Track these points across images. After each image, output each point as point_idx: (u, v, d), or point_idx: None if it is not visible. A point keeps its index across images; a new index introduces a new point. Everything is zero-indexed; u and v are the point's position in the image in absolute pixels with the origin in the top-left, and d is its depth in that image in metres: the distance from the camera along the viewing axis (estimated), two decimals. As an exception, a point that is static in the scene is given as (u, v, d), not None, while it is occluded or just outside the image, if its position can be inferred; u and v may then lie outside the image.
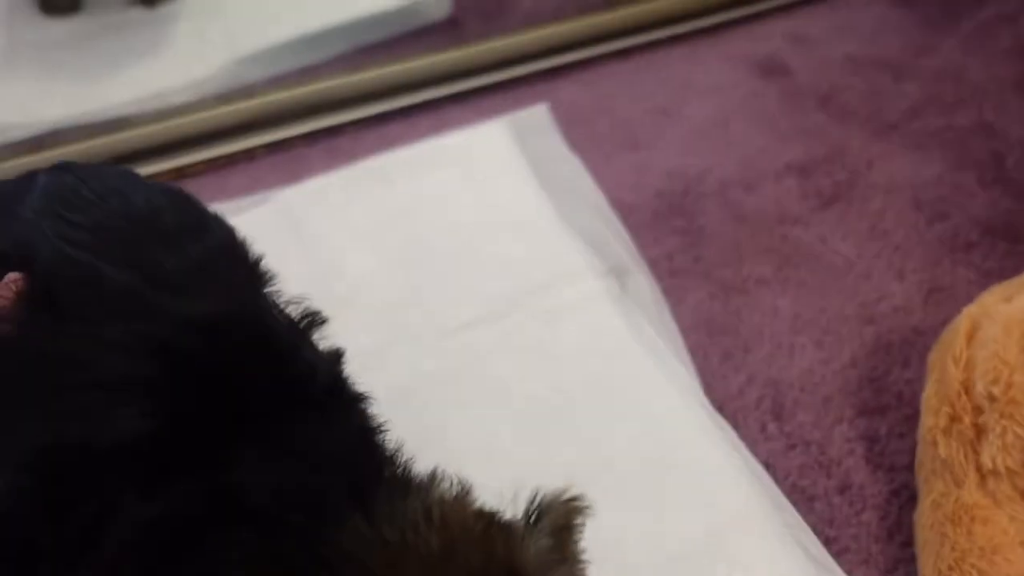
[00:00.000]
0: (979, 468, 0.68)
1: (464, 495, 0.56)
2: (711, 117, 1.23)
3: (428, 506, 0.53)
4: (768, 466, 0.83)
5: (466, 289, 1.01)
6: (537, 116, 1.21)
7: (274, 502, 0.49)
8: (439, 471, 0.58)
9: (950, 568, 0.66)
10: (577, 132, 1.21)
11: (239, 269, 0.62)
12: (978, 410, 0.68)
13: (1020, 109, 1.20)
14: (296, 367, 0.56)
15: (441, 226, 1.08)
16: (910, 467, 0.80)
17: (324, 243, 1.07)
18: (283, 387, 0.54)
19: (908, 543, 0.75)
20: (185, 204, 0.66)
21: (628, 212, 1.10)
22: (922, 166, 1.14)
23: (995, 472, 0.66)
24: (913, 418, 0.84)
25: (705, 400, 0.88)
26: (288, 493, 0.50)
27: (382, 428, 0.60)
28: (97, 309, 0.53)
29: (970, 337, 0.71)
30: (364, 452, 0.56)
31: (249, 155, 1.22)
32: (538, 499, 0.58)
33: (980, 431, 0.68)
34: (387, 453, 0.58)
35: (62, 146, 1.17)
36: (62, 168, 0.67)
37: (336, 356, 0.63)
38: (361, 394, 0.61)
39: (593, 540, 0.77)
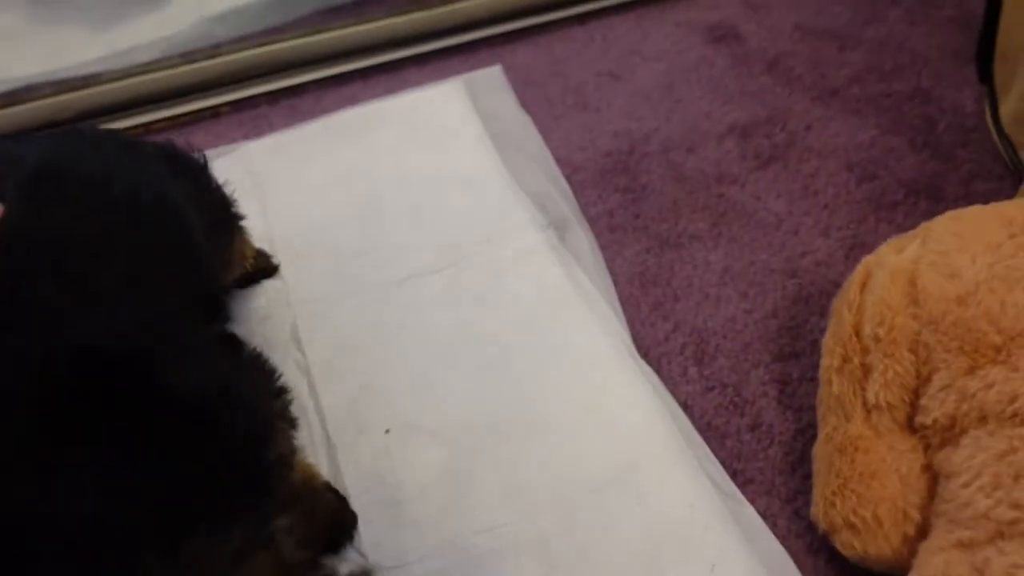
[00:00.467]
0: (865, 403, 0.73)
1: None
2: (660, 81, 1.28)
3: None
4: (686, 407, 0.89)
5: (415, 241, 1.06)
6: (491, 77, 1.26)
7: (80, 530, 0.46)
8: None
9: (833, 493, 0.72)
10: (530, 94, 1.26)
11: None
12: (866, 351, 0.74)
13: (956, 76, 1.25)
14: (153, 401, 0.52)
15: (394, 180, 1.13)
16: (816, 408, 0.86)
17: (282, 195, 1.13)
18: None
19: (809, 476, 0.81)
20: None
21: (575, 170, 1.15)
22: (858, 130, 1.19)
23: (878, 407, 0.72)
24: (824, 364, 0.90)
25: (632, 347, 0.93)
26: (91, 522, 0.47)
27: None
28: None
29: (863, 285, 0.77)
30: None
31: (214, 112, 1.26)
32: None
33: (867, 370, 0.74)
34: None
35: (31, 102, 1.21)
36: (66, 137, 0.70)
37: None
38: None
39: (518, 473, 0.83)
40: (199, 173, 0.86)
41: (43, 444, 0.47)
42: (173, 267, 0.69)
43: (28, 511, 0.46)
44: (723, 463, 0.84)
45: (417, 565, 0.78)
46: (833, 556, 0.76)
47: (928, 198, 1.08)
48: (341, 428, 0.89)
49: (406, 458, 0.86)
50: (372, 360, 0.95)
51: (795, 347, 0.93)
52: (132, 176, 0.71)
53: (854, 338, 0.75)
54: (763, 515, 0.80)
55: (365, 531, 0.80)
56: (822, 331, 0.94)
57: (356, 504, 0.82)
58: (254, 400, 0.64)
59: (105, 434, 0.49)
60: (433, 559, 0.78)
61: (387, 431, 0.88)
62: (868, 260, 0.79)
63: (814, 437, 0.84)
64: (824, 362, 0.78)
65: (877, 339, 0.73)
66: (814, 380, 0.89)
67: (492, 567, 0.77)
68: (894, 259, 0.75)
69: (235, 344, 0.83)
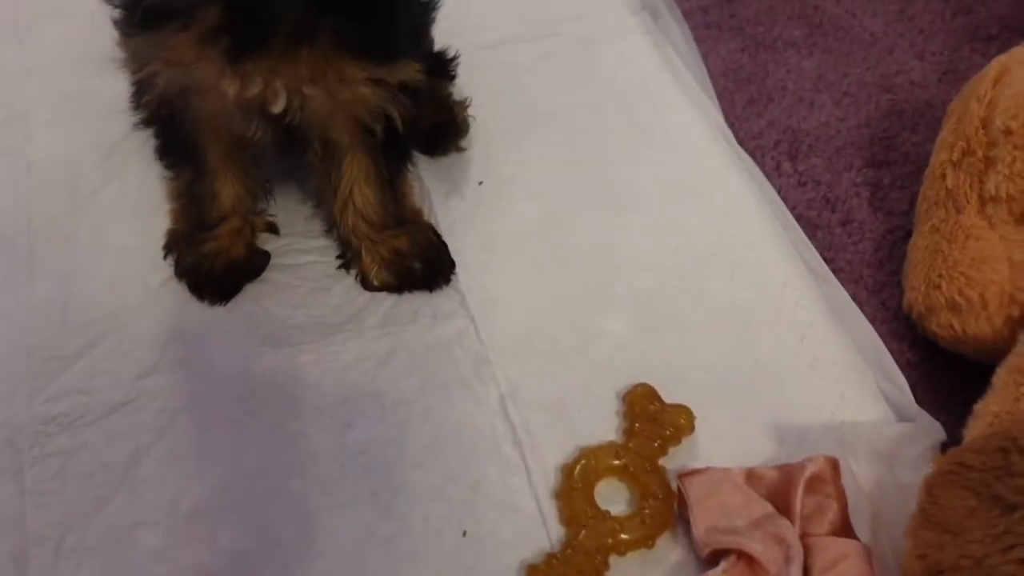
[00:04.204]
0: (981, 195, 0.74)
1: None
2: None
3: None
4: (781, 198, 0.89)
5: (506, 10, 1.03)
6: None
7: None
8: None
9: (940, 276, 0.74)
10: None
11: None
12: (992, 144, 0.74)
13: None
14: None
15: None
16: (907, 213, 0.87)
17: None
18: None
19: (896, 271, 0.83)
20: None
21: (669, -35, 1.11)
22: (956, -36, 1.16)
23: (996, 198, 0.73)
24: (915, 174, 0.90)
25: (728, 132, 0.93)
26: None
27: None
28: None
29: (997, 81, 0.76)
30: None
31: None
32: None
33: (989, 163, 0.74)
34: None
35: None
36: None
37: None
38: None
39: (610, 237, 0.83)
40: None
41: None
42: None
43: None
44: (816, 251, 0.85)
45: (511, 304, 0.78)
46: (916, 343, 0.79)
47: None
48: (435, 179, 0.87)
49: (499, 209, 0.85)
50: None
51: (887, 156, 0.94)
52: None
53: (980, 131, 0.75)
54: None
55: (462, 275, 0.80)
56: (913, 145, 0.94)
57: (452, 250, 0.81)
58: None
59: None
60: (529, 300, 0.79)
61: (480, 183, 0.87)
62: (1001, 58, 0.78)
63: (903, 239, 0.86)
64: (939, 157, 0.79)
65: (1008, 132, 0.73)
66: (904, 189, 0.91)
67: (584, 320, 0.78)
68: (1036, 56, 0.74)
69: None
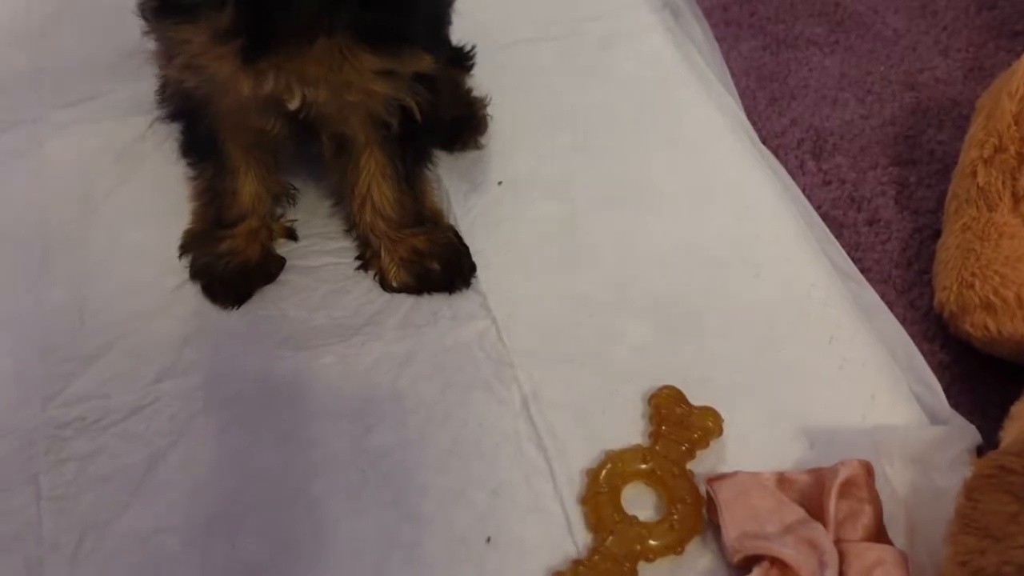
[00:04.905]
0: (1015, 193, 0.73)
1: None
2: None
3: None
4: (805, 196, 0.87)
5: (525, 10, 1.02)
6: None
7: None
8: None
9: (973, 275, 0.72)
10: None
11: None
12: (1024, 140, 0.73)
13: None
14: None
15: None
16: (935, 212, 0.86)
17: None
18: None
19: (925, 271, 0.81)
20: None
21: (687, -37, 1.10)
22: (979, -40, 1.14)
23: (1030, 195, 0.72)
24: (942, 172, 0.89)
25: (751, 130, 0.91)
26: None
27: None
28: None
29: (1028, 75, 0.75)
30: None
31: None
32: None
33: (1022, 159, 0.73)
34: None
35: None
36: None
37: None
38: None
39: (630, 238, 0.82)
40: None
41: None
42: None
43: None
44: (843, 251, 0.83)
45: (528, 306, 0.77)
46: (947, 343, 0.77)
47: (1053, 30, 1.05)
48: (454, 179, 0.86)
49: (519, 209, 0.84)
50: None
51: (912, 155, 0.92)
52: None
53: (1012, 127, 0.73)
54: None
55: (482, 276, 0.79)
56: (939, 143, 0.93)
57: (472, 250, 0.80)
58: None
59: None
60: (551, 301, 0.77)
61: (500, 183, 0.86)
62: (1033, 54, 0.76)
63: (931, 237, 0.84)
64: (969, 155, 0.77)
65: (1042, 127, 0.71)
66: (931, 187, 0.89)
67: (606, 322, 0.77)
68: (1069, 50, 0.72)
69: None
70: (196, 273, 0.77)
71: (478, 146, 0.88)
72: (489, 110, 0.90)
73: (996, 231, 0.72)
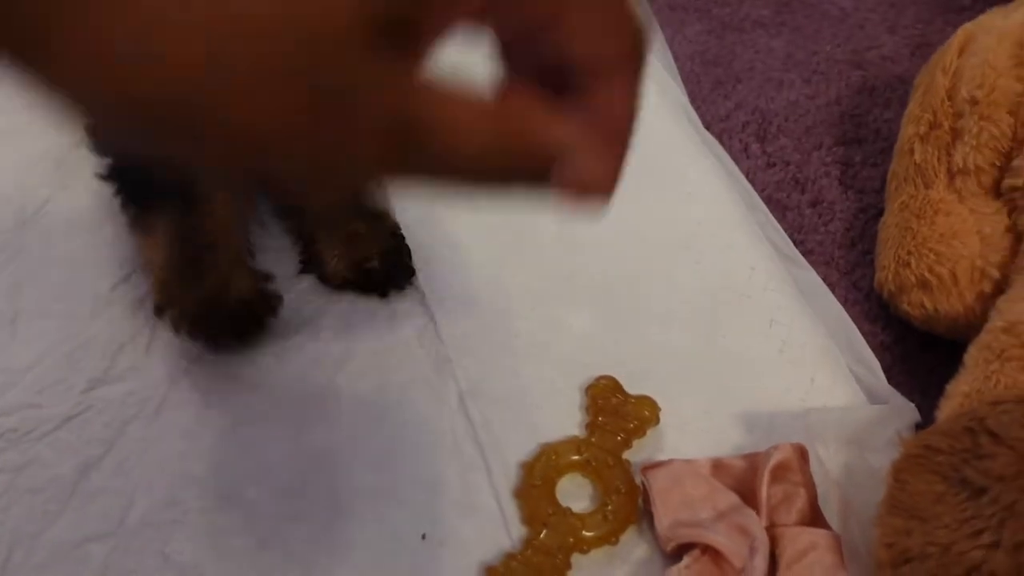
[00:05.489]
0: (949, 169, 0.72)
1: None
2: None
3: None
4: (749, 180, 0.87)
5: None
6: None
7: None
8: None
9: (908, 253, 0.71)
10: None
11: None
12: (958, 115, 0.72)
13: None
14: None
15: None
16: (879, 191, 0.85)
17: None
18: None
19: (868, 251, 0.81)
20: None
21: (633, -52, 1.09)
22: (928, -65, 1.14)
23: (964, 171, 0.71)
24: (887, 151, 0.88)
25: (694, 115, 0.91)
26: None
27: None
28: None
29: (962, 50, 0.74)
30: None
31: None
32: None
33: (956, 135, 0.72)
34: None
35: None
36: None
37: None
38: None
39: (581, 235, 0.82)
40: None
41: None
42: None
43: None
44: (785, 234, 0.83)
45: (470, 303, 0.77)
46: (889, 323, 0.77)
47: (999, 2, 1.04)
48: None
49: (462, 205, 0.83)
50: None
51: (858, 134, 0.92)
52: None
53: (946, 102, 0.73)
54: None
55: (422, 272, 0.78)
56: (885, 121, 0.92)
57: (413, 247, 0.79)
58: None
59: None
60: (491, 295, 0.77)
61: (440, 178, 0.85)
62: (967, 26, 0.76)
63: (875, 217, 0.83)
64: (907, 132, 0.76)
65: (974, 101, 0.71)
66: (876, 166, 0.88)
67: (547, 313, 0.76)
68: (1002, 22, 0.72)
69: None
70: (192, 323, 0.69)
71: None
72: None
73: (932, 208, 0.72)
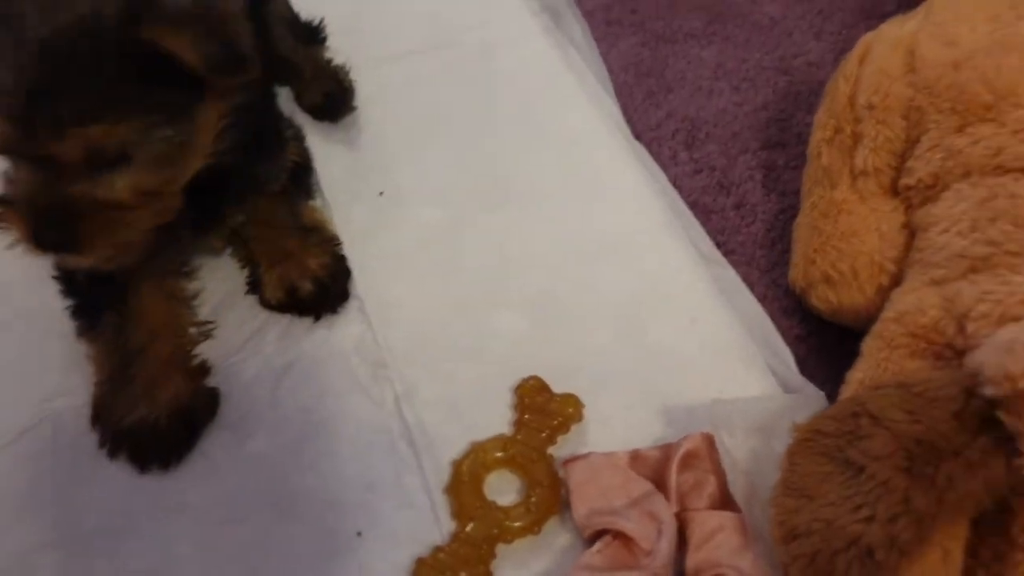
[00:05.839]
0: (852, 171, 0.76)
1: None
2: None
3: None
4: (676, 186, 0.91)
5: (407, 22, 1.05)
6: None
7: None
8: None
9: (814, 251, 0.76)
10: None
11: None
12: (858, 120, 0.76)
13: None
14: None
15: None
16: (799, 193, 0.89)
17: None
18: None
19: (787, 250, 0.85)
20: None
21: (573, -35, 1.13)
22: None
23: (864, 172, 0.75)
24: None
25: (625, 126, 0.95)
26: None
27: None
28: None
29: (862, 59, 0.78)
30: None
31: None
32: None
33: (857, 139, 0.76)
34: None
35: None
36: None
37: None
38: None
39: (508, 238, 0.86)
40: None
41: None
42: None
43: None
44: (708, 236, 0.87)
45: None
46: (805, 318, 0.81)
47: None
48: (336, 191, 0.89)
49: (400, 217, 0.87)
50: (365, 134, 0.95)
51: (782, 138, 0.96)
52: None
53: (848, 108, 0.77)
54: (743, 282, 0.83)
55: (360, 283, 0.82)
56: (807, 125, 0.96)
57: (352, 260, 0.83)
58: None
59: None
60: (428, 303, 0.81)
61: (381, 193, 0.89)
62: (867, 36, 0.80)
63: (794, 218, 0.87)
64: (815, 136, 0.81)
65: (871, 107, 0.75)
66: (797, 168, 0.92)
67: (481, 319, 0.80)
68: (897, 31, 0.76)
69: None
70: (119, 439, 0.70)
71: (352, 109, 0.95)
72: (372, 122, 0.94)
73: (836, 208, 0.76)
